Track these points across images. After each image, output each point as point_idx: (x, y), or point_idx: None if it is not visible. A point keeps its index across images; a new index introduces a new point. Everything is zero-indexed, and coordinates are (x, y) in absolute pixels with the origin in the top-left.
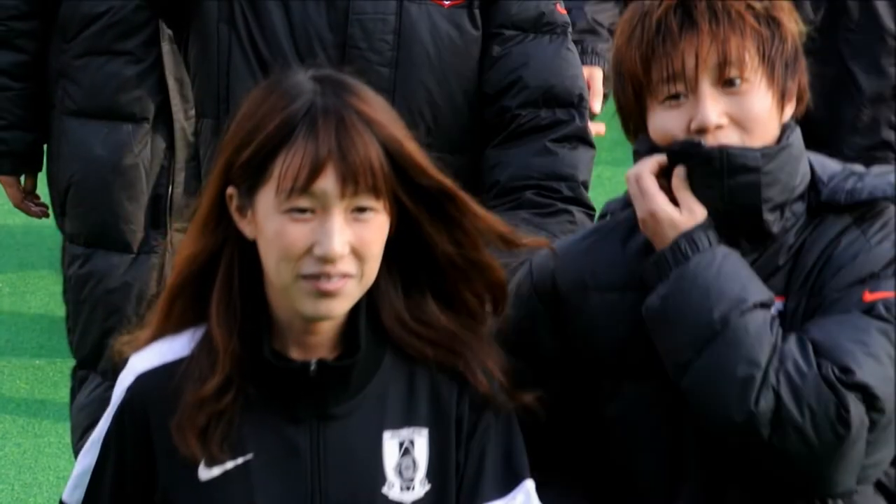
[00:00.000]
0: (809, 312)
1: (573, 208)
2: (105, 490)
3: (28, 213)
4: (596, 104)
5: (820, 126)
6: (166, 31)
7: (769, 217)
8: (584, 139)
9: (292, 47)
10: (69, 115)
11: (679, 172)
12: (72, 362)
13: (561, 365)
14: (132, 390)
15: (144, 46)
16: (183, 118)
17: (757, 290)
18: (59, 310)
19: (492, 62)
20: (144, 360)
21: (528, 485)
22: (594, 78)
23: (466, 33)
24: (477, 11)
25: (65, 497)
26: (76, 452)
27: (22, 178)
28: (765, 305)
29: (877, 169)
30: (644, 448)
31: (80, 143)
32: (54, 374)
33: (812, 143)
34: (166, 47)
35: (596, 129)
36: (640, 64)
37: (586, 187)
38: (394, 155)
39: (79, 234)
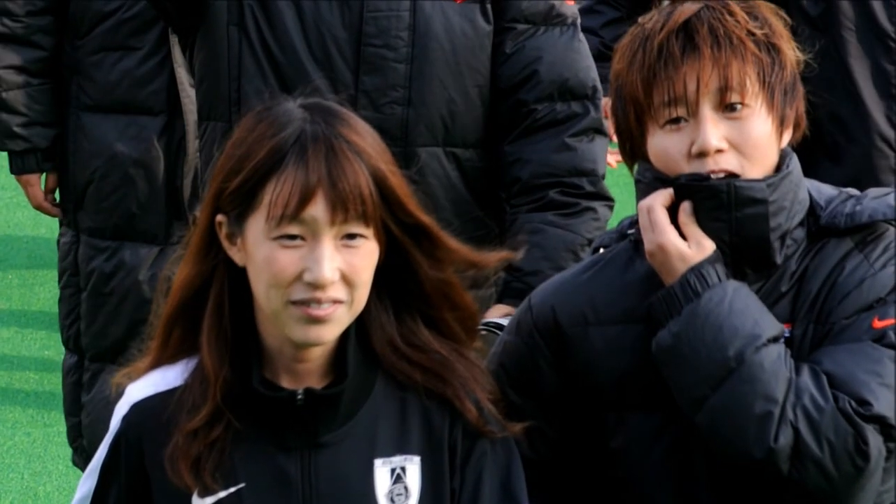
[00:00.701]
0: (817, 339)
1: (595, 203)
2: None
3: (48, 212)
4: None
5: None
6: None
7: (776, 245)
8: (600, 130)
9: (305, 47)
10: (85, 110)
11: (686, 207)
12: None
13: (563, 400)
14: (127, 419)
15: (157, 41)
16: (195, 110)
17: (769, 324)
18: None
19: (505, 57)
20: (140, 389)
21: None
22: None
23: (479, 28)
24: (489, 6)
25: None
26: (93, 447)
27: (42, 179)
28: (777, 339)
29: (874, 191)
30: (652, 478)
31: (99, 138)
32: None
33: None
34: (175, 41)
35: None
36: (642, 87)
37: (604, 178)
38: (379, 186)
39: (103, 228)
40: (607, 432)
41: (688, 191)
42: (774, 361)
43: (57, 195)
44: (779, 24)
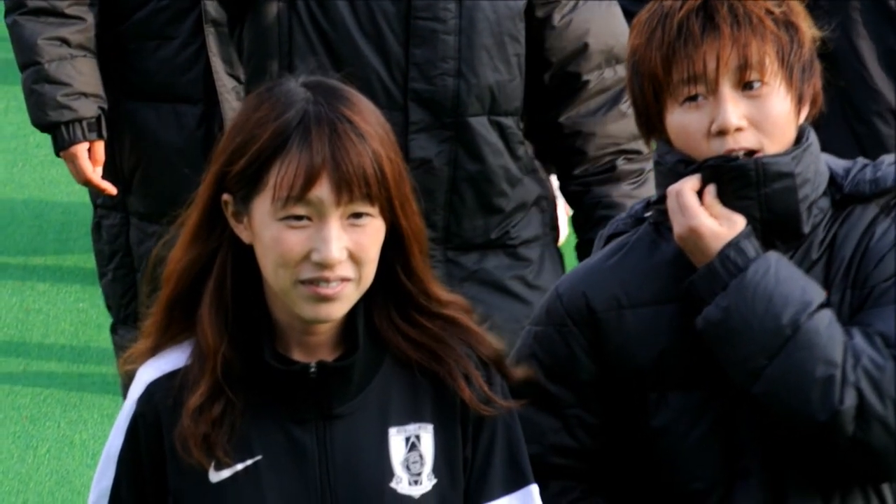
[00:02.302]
0: (856, 304)
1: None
2: None
3: (99, 187)
4: None
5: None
6: (210, 15)
7: (804, 216)
8: None
9: (355, 22)
10: (127, 97)
11: (711, 190)
12: None
13: (600, 385)
14: (143, 400)
15: (192, 31)
16: (234, 98)
17: (815, 290)
18: None
19: (554, 30)
20: (151, 370)
21: (534, 488)
22: None
23: None
24: None
25: None
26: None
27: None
28: (824, 305)
29: (888, 158)
30: (696, 456)
31: (141, 125)
32: (98, 317)
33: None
34: (210, 30)
35: None
36: (661, 65)
37: None
38: (381, 166)
39: (152, 213)
40: (648, 412)
41: (714, 172)
42: (829, 326)
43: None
44: (796, 3)
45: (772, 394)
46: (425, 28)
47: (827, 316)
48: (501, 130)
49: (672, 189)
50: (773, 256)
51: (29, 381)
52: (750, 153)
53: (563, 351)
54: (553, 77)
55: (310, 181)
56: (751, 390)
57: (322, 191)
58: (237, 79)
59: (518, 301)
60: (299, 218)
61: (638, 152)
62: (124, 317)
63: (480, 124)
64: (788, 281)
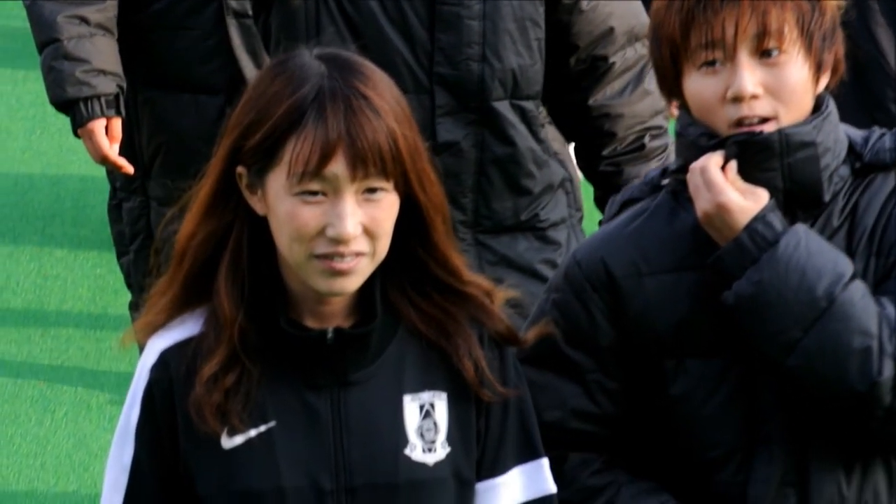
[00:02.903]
0: (881, 272)
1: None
2: (149, 482)
3: (115, 164)
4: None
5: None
6: (231, 6)
7: (826, 185)
8: None
9: (381, 8)
10: (147, 86)
11: (733, 166)
12: None
13: (620, 350)
14: (157, 368)
15: (213, 21)
16: None
17: (846, 262)
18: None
19: (582, 14)
20: (164, 339)
21: (545, 462)
22: None
23: None
24: None
25: None
26: None
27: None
28: (856, 276)
29: None
30: (715, 423)
31: (161, 113)
32: (115, 283)
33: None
34: (232, 21)
35: None
36: (679, 29)
37: None
38: (396, 141)
39: (173, 199)
40: (667, 380)
41: (739, 147)
42: (863, 297)
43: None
44: None
45: (807, 366)
46: (450, 13)
47: (860, 287)
48: (523, 114)
49: (695, 166)
50: (802, 229)
51: (47, 345)
52: (764, 120)
53: (583, 316)
54: (579, 61)
55: (325, 157)
56: (785, 363)
57: (337, 167)
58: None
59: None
60: (314, 193)
61: (661, 127)
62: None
63: (504, 108)
64: (820, 253)
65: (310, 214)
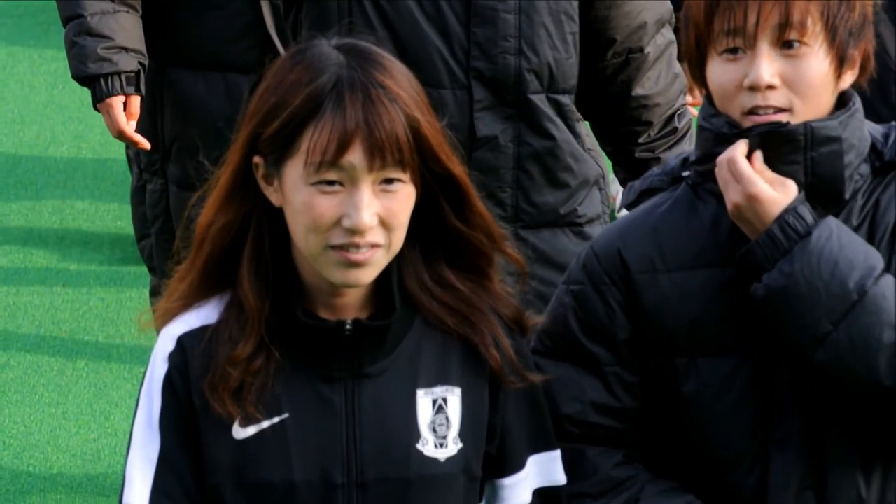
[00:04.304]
0: None
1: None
2: (179, 470)
3: (132, 140)
4: None
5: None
6: None
7: (847, 182)
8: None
9: (417, 4)
10: (173, 65)
11: (759, 157)
12: None
13: (636, 344)
14: (174, 354)
15: (245, 1)
16: None
17: (877, 255)
18: None
19: (620, 9)
20: (180, 325)
21: (558, 454)
22: None
23: None
24: None
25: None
26: None
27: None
28: (886, 270)
29: None
30: (726, 422)
31: (188, 93)
32: (135, 236)
33: None
34: (265, 3)
35: None
36: (704, 13)
37: None
38: (414, 132)
39: (194, 182)
40: (679, 378)
41: (763, 138)
42: (894, 290)
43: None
44: None
45: (837, 360)
46: (486, 7)
47: (891, 281)
48: (559, 108)
49: (722, 159)
50: (833, 221)
51: (68, 297)
52: (778, 111)
53: (602, 309)
54: (616, 54)
55: (343, 147)
56: (814, 357)
57: (355, 156)
58: None
59: None
60: (331, 183)
61: (684, 104)
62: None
63: (541, 101)
64: (851, 245)
65: (326, 205)
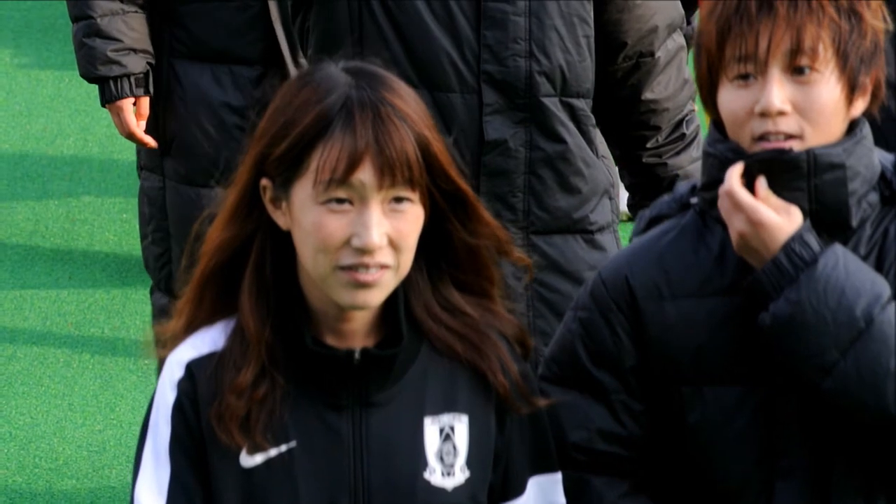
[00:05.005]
0: None
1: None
2: (190, 498)
3: (141, 141)
4: None
5: None
6: None
7: (853, 209)
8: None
9: (426, 6)
10: (179, 58)
11: (763, 183)
12: None
13: (642, 372)
14: (184, 381)
15: None
16: (292, 66)
17: (884, 283)
18: None
19: (632, 12)
20: (189, 350)
21: (559, 477)
22: None
23: None
24: None
25: None
26: None
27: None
28: (893, 297)
29: None
30: (730, 452)
31: (192, 85)
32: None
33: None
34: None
35: None
36: (716, 39)
37: None
38: (423, 151)
39: (192, 175)
40: (684, 406)
41: (765, 165)
42: None
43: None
44: None
45: (843, 389)
46: (496, 10)
47: None
48: (573, 112)
49: (723, 191)
50: (840, 249)
51: (74, 288)
52: (789, 137)
53: (609, 336)
54: (627, 58)
55: (353, 164)
56: (821, 386)
57: (365, 174)
58: (294, 46)
59: None
60: (341, 202)
61: (693, 111)
62: (158, 280)
63: (553, 105)
64: (858, 273)
65: (336, 224)
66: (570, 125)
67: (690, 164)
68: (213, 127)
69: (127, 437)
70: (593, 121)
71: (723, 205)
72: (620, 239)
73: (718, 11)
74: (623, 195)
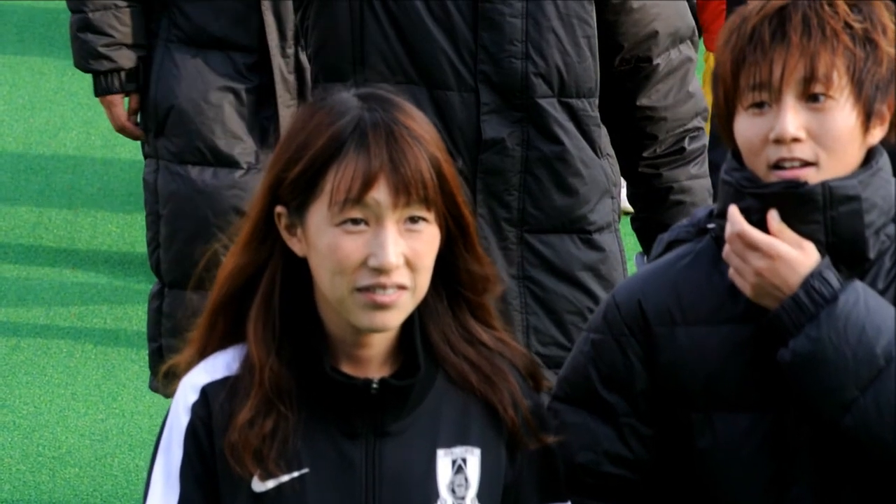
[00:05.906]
0: None
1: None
2: None
3: (131, 133)
4: None
5: None
6: None
7: (871, 241)
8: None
9: (425, 7)
10: (176, 43)
11: (775, 216)
12: None
13: (653, 397)
14: (198, 405)
15: None
16: (280, 55)
17: None
18: None
19: (630, 15)
20: (203, 374)
21: None
22: None
23: None
24: None
25: None
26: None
27: (125, 101)
28: None
29: None
30: (742, 478)
31: (188, 68)
32: (143, 220)
33: None
34: None
35: None
36: (731, 68)
37: None
38: (436, 171)
39: (183, 153)
40: (694, 433)
41: (779, 197)
42: None
43: (138, 119)
44: (885, 19)
45: (864, 426)
46: (492, 11)
47: None
48: (572, 112)
49: (731, 235)
50: (860, 285)
51: (77, 279)
52: (804, 164)
53: (620, 360)
54: (623, 61)
55: (368, 183)
56: (841, 422)
57: (380, 193)
58: (285, 36)
59: (583, 292)
60: (356, 222)
61: (700, 129)
62: (152, 264)
63: (551, 105)
64: (878, 310)
65: (352, 245)
66: (569, 125)
67: (688, 180)
68: (207, 105)
69: (129, 426)
70: (597, 120)
71: (734, 249)
72: (621, 238)
73: (733, 41)
74: (624, 190)
